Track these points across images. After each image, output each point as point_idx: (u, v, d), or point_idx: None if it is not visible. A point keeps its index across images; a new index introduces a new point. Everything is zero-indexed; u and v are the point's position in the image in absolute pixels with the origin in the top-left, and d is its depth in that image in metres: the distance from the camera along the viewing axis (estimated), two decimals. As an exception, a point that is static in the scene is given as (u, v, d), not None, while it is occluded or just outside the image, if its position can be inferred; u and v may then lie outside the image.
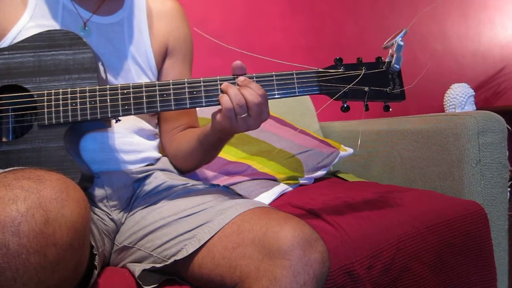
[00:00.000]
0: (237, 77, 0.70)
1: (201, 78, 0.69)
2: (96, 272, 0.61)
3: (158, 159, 0.90)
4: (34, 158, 0.67)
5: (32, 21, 0.76)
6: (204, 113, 1.28)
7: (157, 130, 0.94)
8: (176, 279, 0.66)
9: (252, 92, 0.66)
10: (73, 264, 0.48)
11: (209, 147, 0.83)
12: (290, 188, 1.22)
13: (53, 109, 0.68)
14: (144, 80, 0.86)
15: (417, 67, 2.38)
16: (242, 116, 0.67)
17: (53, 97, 0.68)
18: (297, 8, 2.02)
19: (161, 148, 0.95)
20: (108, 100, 0.68)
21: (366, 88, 0.72)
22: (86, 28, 0.80)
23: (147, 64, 0.87)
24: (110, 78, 0.81)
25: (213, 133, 0.77)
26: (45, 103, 0.68)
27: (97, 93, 0.68)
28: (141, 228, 0.73)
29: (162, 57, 0.91)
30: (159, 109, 0.69)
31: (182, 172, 0.93)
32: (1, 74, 0.69)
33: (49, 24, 0.77)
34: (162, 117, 0.95)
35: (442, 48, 2.55)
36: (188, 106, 0.69)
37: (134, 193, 0.82)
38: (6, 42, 0.75)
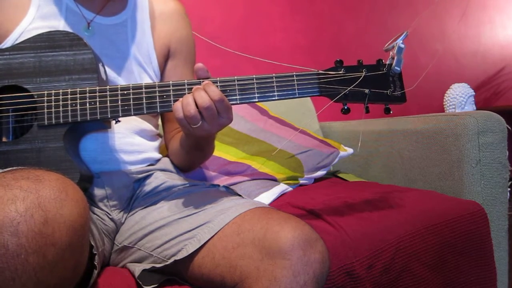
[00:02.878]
0: (202, 81, 0.68)
1: (201, 80, 0.69)
2: (96, 272, 0.61)
3: (158, 160, 0.90)
4: (33, 158, 0.68)
5: (35, 22, 0.76)
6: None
7: (158, 131, 0.94)
8: (176, 279, 0.66)
9: (202, 95, 0.64)
10: (72, 264, 0.48)
11: (190, 150, 0.84)
12: (290, 188, 1.22)
13: (53, 109, 0.68)
14: (146, 81, 0.86)
15: (417, 67, 2.37)
16: (196, 125, 0.65)
17: (53, 97, 0.68)
18: (297, 9, 2.02)
19: (162, 148, 0.96)
20: (108, 101, 0.68)
21: (367, 90, 0.72)
22: (90, 29, 0.80)
23: (149, 65, 0.87)
24: (113, 79, 0.81)
25: (187, 138, 0.78)
26: (45, 104, 0.68)
27: (97, 93, 0.68)
28: (141, 228, 0.73)
29: (165, 58, 0.92)
30: (158, 110, 0.69)
31: (181, 170, 0.93)
32: (2, 75, 0.69)
33: (52, 25, 0.77)
34: (165, 118, 0.97)
35: (442, 48, 2.54)
36: None
37: (134, 193, 0.82)
38: (8, 43, 0.75)
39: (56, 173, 0.50)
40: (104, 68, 0.76)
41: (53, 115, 0.68)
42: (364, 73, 0.72)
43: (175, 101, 0.69)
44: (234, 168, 1.22)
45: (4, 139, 0.70)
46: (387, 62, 0.74)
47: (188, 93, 0.68)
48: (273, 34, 1.96)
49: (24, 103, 0.69)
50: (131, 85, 0.69)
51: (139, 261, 0.71)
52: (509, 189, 1.09)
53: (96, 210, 0.77)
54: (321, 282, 0.57)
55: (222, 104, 0.65)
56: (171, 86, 0.69)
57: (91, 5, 0.82)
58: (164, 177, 0.83)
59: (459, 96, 2.15)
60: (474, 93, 2.19)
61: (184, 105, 0.65)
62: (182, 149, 0.85)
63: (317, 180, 1.37)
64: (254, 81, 0.70)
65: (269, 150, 1.30)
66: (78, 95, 0.68)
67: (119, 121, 0.72)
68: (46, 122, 0.68)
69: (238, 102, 0.69)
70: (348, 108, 0.73)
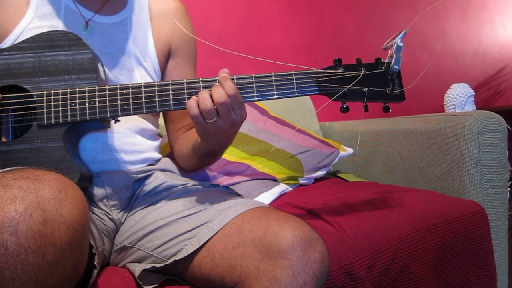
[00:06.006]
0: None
1: (200, 78, 0.69)
2: (95, 271, 0.61)
3: (158, 160, 0.90)
4: (33, 158, 0.68)
5: (34, 22, 0.76)
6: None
7: (159, 130, 0.94)
8: (176, 279, 0.66)
9: (220, 92, 0.65)
10: (72, 264, 0.48)
11: (202, 156, 0.84)
12: (290, 188, 1.22)
13: (52, 109, 0.68)
14: (146, 80, 0.86)
15: (417, 67, 2.38)
16: (211, 120, 0.66)
17: (52, 97, 0.68)
18: (297, 8, 2.02)
19: (162, 148, 0.96)
20: (107, 101, 0.68)
21: (366, 89, 0.72)
22: (88, 28, 0.80)
23: (150, 65, 0.87)
24: (112, 78, 0.81)
25: (201, 144, 0.78)
26: (45, 103, 0.68)
27: (96, 93, 0.68)
28: (141, 228, 0.73)
29: (166, 58, 0.91)
30: (158, 109, 0.69)
31: (186, 171, 0.93)
32: (1, 75, 0.69)
33: (52, 24, 0.77)
34: (168, 118, 0.96)
35: (442, 48, 2.54)
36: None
37: (134, 193, 0.82)
38: (7, 43, 0.75)
39: (55, 173, 0.50)
40: (104, 68, 0.76)
41: (52, 115, 0.68)
42: (363, 71, 0.72)
43: (174, 100, 0.69)
44: (234, 168, 1.22)
45: (3, 139, 0.70)
46: (386, 61, 0.74)
47: (188, 91, 0.69)
48: (273, 34, 1.96)
49: (23, 103, 0.69)
50: (130, 85, 0.69)
51: (139, 261, 0.71)
52: (509, 189, 1.09)
53: (95, 210, 0.77)
54: (321, 282, 0.57)
55: (236, 99, 0.66)
56: (170, 85, 0.69)
57: (90, 4, 0.82)
58: (164, 177, 0.83)
59: (459, 96, 2.16)
60: (474, 93, 2.19)
61: (201, 100, 0.65)
62: (195, 154, 0.84)
63: (317, 180, 1.37)
64: (253, 80, 0.70)
65: (269, 150, 1.30)
66: (77, 95, 0.68)
67: (118, 120, 0.72)
68: (45, 122, 0.68)
69: (237, 101, 0.69)
70: (347, 107, 0.73)
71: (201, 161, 0.87)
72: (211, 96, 0.65)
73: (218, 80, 0.68)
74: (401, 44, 0.71)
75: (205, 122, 0.66)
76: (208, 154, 0.82)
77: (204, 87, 0.69)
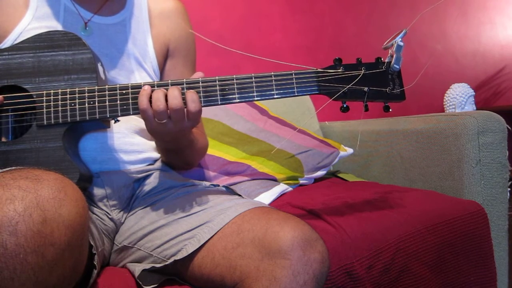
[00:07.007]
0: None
1: (200, 78, 0.69)
2: (95, 271, 0.61)
3: (158, 160, 0.90)
4: (32, 158, 0.68)
5: (33, 23, 0.76)
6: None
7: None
8: (176, 279, 0.66)
9: (176, 96, 0.65)
10: (72, 264, 0.48)
11: (165, 153, 0.85)
12: (290, 188, 1.22)
13: (52, 109, 0.68)
14: (146, 80, 0.86)
15: (417, 66, 2.38)
16: (162, 121, 0.66)
17: (52, 97, 0.68)
18: (297, 8, 2.02)
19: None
20: (107, 101, 0.68)
21: (366, 88, 0.72)
22: (87, 29, 0.80)
23: (149, 65, 0.87)
24: (112, 78, 0.81)
25: (155, 140, 0.79)
26: (44, 103, 0.68)
27: (96, 93, 0.68)
28: (140, 228, 0.73)
29: (164, 58, 0.91)
30: (158, 109, 0.69)
31: (174, 169, 0.93)
32: (1, 75, 0.69)
33: (51, 25, 0.77)
34: None
35: (442, 48, 2.54)
36: None
37: (134, 193, 0.82)
38: (7, 43, 0.75)
39: (55, 173, 0.50)
40: (103, 68, 0.76)
41: (52, 115, 0.68)
42: (363, 71, 0.72)
43: None
44: (234, 168, 1.22)
45: (3, 139, 0.70)
46: (386, 60, 0.74)
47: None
48: (273, 34, 1.96)
49: (23, 103, 0.69)
50: (129, 85, 0.69)
51: (139, 261, 0.71)
52: (509, 189, 1.09)
53: (95, 210, 0.77)
54: (321, 282, 0.57)
55: (197, 115, 0.66)
56: (169, 85, 0.69)
57: (89, 5, 0.82)
58: (164, 177, 0.83)
59: (459, 96, 2.16)
60: (474, 93, 2.19)
61: (154, 99, 0.65)
62: (160, 150, 0.85)
63: (317, 180, 1.37)
64: (253, 79, 0.70)
65: (269, 150, 1.30)
66: (77, 95, 0.68)
67: (118, 120, 0.72)
68: (45, 122, 0.68)
69: (237, 100, 0.69)
70: (347, 106, 0.73)
71: (168, 157, 0.87)
72: (165, 97, 0.65)
73: (184, 84, 0.68)
74: (401, 44, 0.71)
75: (154, 120, 0.66)
76: (168, 151, 0.83)
77: (204, 87, 0.69)
